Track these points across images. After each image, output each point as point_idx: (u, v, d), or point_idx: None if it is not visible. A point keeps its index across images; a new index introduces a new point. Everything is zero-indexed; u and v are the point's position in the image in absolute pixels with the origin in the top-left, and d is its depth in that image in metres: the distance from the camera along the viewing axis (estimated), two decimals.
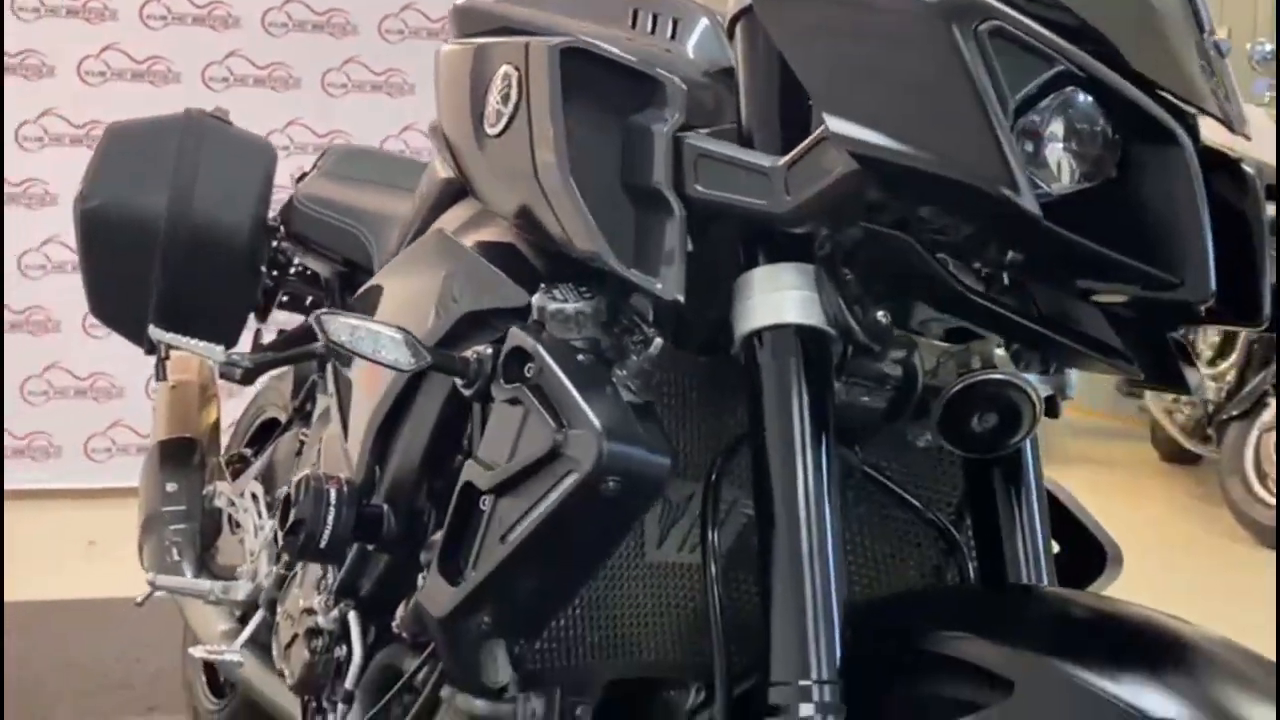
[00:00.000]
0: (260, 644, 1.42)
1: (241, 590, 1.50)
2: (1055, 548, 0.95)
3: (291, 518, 0.97)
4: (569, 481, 0.79)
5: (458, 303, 0.98)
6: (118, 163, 1.67)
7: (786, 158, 0.77)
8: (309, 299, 1.85)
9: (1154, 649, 0.70)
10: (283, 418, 1.78)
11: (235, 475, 1.78)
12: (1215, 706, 0.64)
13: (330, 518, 0.96)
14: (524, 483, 0.82)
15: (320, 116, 3.79)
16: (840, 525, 0.80)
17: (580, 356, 0.84)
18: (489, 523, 0.85)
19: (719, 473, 0.89)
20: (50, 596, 2.84)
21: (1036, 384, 0.85)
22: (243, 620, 1.52)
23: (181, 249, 1.63)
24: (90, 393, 3.78)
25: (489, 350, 0.89)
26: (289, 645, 1.20)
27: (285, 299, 1.86)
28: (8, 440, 3.75)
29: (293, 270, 1.80)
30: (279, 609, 1.27)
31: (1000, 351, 0.86)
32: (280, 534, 0.99)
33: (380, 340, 0.84)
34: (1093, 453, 4.68)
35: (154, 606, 2.27)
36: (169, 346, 1.66)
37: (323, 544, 0.96)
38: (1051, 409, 1.05)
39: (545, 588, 0.85)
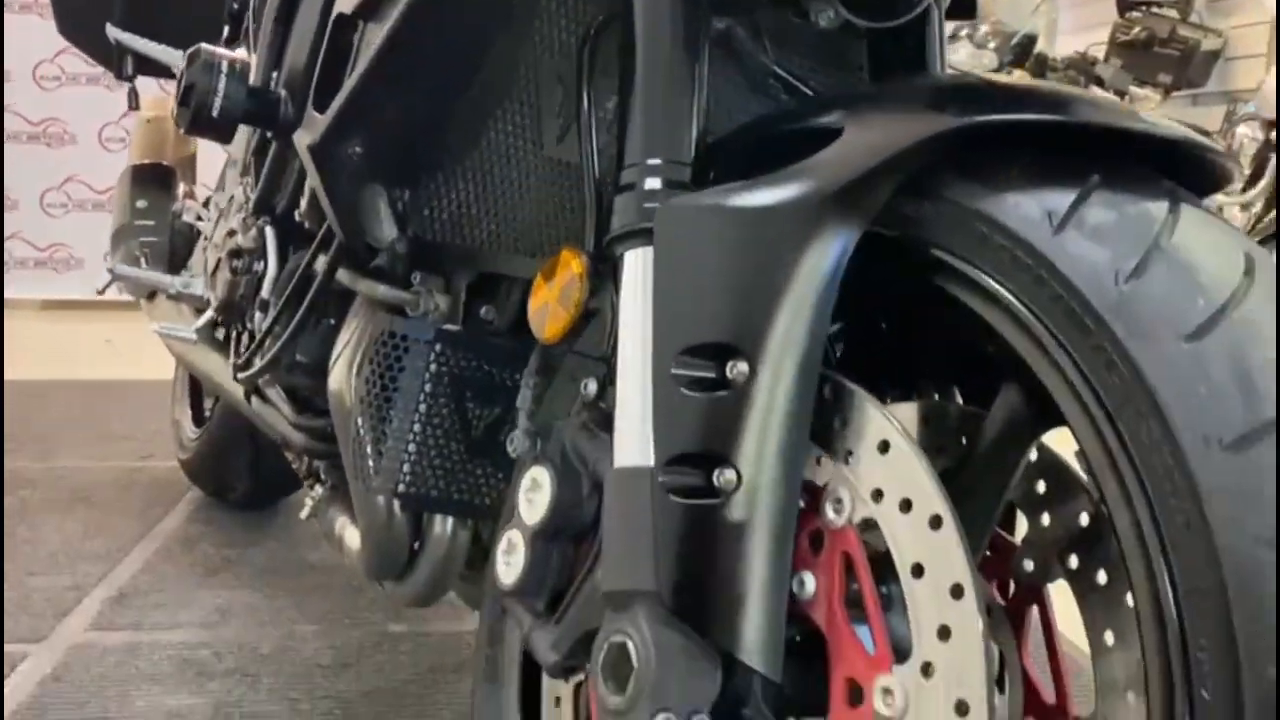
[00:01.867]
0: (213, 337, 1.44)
1: (200, 285, 1.52)
2: None
3: (182, 86, 0.97)
4: None
5: None
6: None
7: None
8: None
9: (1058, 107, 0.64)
10: None
11: None
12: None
13: (222, 86, 0.96)
14: None
15: None
16: (707, 55, 0.77)
17: None
18: (358, 50, 0.84)
19: (597, 30, 0.87)
20: (70, 378, 3.00)
21: None
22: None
23: None
24: (107, 206, 3.83)
25: None
26: (214, 272, 1.22)
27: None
28: (30, 252, 3.84)
29: None
30: (206, 245, 1.28)
31: None
32: (174, 109, 0.99)
33: None
34: None
35: (161, 389, 2.37)
36: (134, 59, 1.67)
37: (215, 112, 0.96)
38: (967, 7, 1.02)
39: (409, 109, 0.84)
